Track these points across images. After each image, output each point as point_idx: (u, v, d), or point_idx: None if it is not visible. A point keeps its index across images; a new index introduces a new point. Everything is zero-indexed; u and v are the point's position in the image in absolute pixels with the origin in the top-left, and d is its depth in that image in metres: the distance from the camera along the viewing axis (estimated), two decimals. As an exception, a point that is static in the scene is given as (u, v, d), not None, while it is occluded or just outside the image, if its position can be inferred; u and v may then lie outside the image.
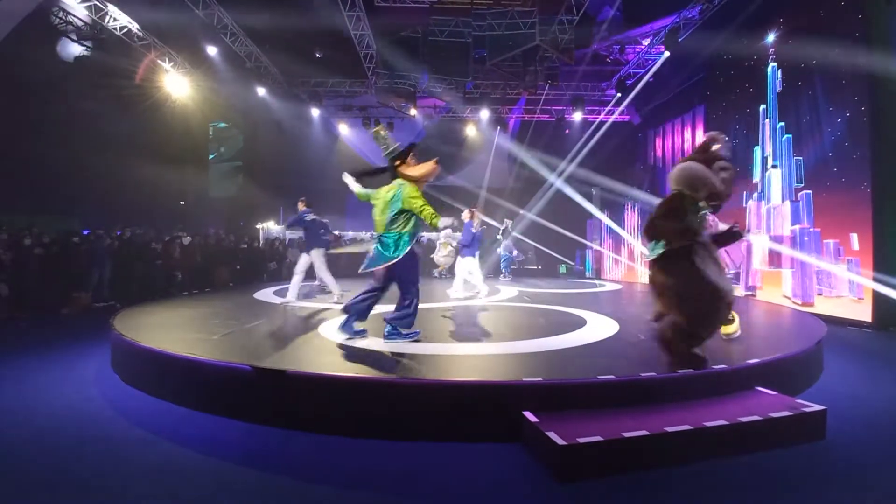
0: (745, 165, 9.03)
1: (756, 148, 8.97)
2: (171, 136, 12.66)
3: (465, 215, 7.88)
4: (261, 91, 12.75)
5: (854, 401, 3.84)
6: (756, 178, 8.96)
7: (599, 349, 4.28)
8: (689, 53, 10.25)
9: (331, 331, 4.92)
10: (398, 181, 4.28)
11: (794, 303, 8.00)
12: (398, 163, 4.31)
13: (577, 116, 13.74)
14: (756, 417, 2.98)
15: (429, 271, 11.58)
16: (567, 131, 15.22)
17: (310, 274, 7.15)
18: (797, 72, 8.05)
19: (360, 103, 14.31)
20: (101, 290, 9.26)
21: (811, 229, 7.75)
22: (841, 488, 2.59)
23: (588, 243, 15.56)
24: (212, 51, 11.37)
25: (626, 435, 2.71)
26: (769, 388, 3.52)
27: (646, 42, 11.48)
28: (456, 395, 3.20)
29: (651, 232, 3.61)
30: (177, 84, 11.24)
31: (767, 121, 8.70)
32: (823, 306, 7.46)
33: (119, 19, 9.53)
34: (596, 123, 14.25)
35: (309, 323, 5.49)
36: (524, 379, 3.27)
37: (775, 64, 8.52)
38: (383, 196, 4.30)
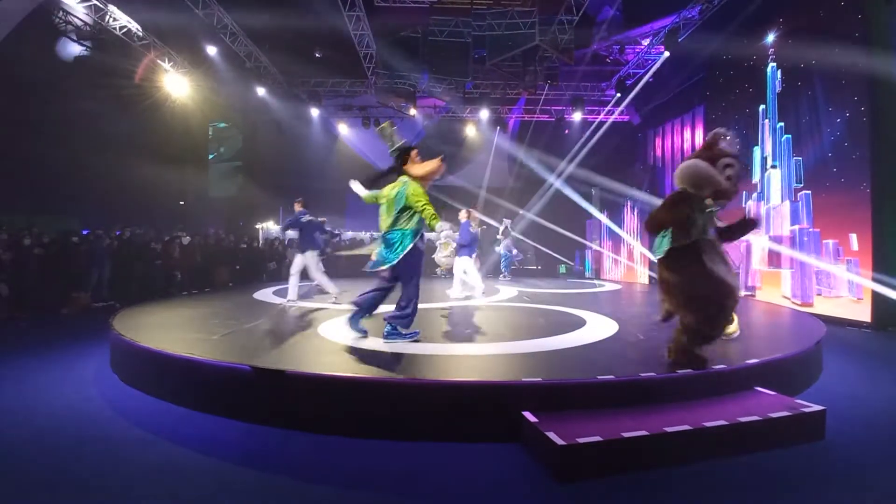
0: (744, 165, 9.03)
1: (755, 148, 8.97)
2: (170, 136, 12.66)
3: (463, 215, 7.97)
4: (260, 91, 12.74)
5: (853, 401, 3.84)
6: (755, 179, 8.97)
7: (599, 349, 4.28)
8: (689, 53, 10.25)
9: (330, 331, 4.92)
10: (402, 178, 4.28)
11: (793, 303, 8.00)
12: (403, 160, 4.31)
13: (577, 116, 13.74)
14: (755, 417, 2.98)
15: (429, 271, 11.58)
16: (567, 131, 15.22)
17: (306, 274, 7.15)
18: (797, 72, 8.06)
19: (360, 103, 14.31)
20: (100, 290, 9.26)
21: (810, 229, 7.76)
22: (840, 488, 2.59)
23: (588, 243, 15.57)
24: (211, 51, 11.37)
25: (626, 435, 2.71)
26: (768, 389, 3.52)
27: (645, 42, 11.49)
28: (455, 396, 3.20)
29: (650, 224, 3.58)
30: (176, 84, 11.24)
31: (767, 121, 8.70)
32: (823, 306, 7.46)
33: (119, 19, 9.53)
34: (596, 123, 14.25)
35: (308, 323, 5.49)
36: (524, 379, 3.27)
37: (775, 64, 8.52)
38: (388, 194, 4.31)
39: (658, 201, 3.81)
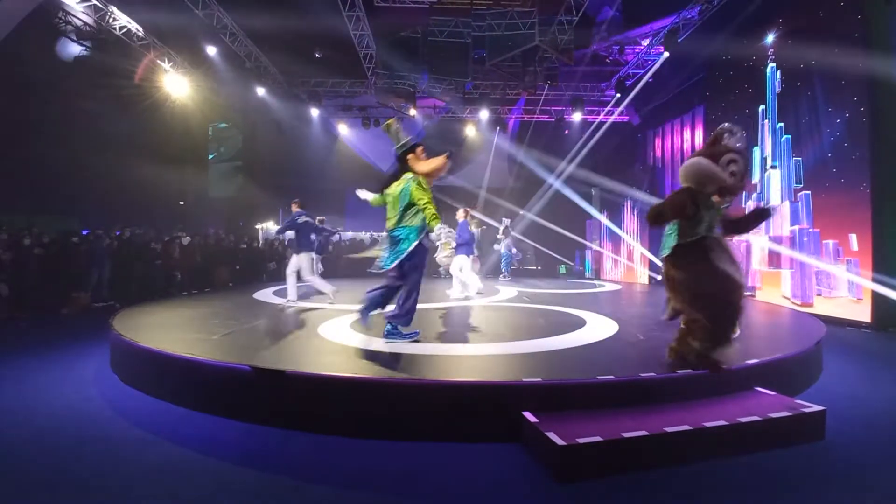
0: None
1: (755, 148, 8.98)
2: (170, 136, 12.66)
3: (460, 214, 8.06)
4: (260, 91, 12.74)
5: (853, 401, 3.84)
6: (755, 179, 8.97)
7: (599, 349, 4.28)
8: (689, 54, 10.25)
9: (330, 331, 4.92)
10: (407, 175, 4.28)
11: (793, 303, 8.01)
12: (409, 157, 4.31)
13: (577, 117, 13.74)
14: (755, 418, 2.98)
15: (430, 271, 11.59)
16: (566, 132, 15.23)
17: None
18: (796, 72, 8.06)
19: (360, 103, 14.31)
20: (100, 291, 9.26)
21: (810, 230, 7.76)
22: (840, 488, 2.59)
23: (587, 243, 15.57)
24: (211, 51, 11.37)
25: (626, 435, 2.71)
26: (768, 389, 3.53)
27: (645, 42, 11.49)
28: (455, 396, 3.20)
29: (650, 214, 3.53)
30: (176, 84, 11.24)
31: (766, 121, 8.71)
32: (823, 307, 7.46)
33: (119, 19, 9.53)
34: (595, 124, 14.25)
35: (308, 323, 5.48)
36: (524, 379, 3.27)
37: (774, 64, 8.52)
38: (393, 192, 4.31)
39: (657, 201, 3.78)
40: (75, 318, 8.08)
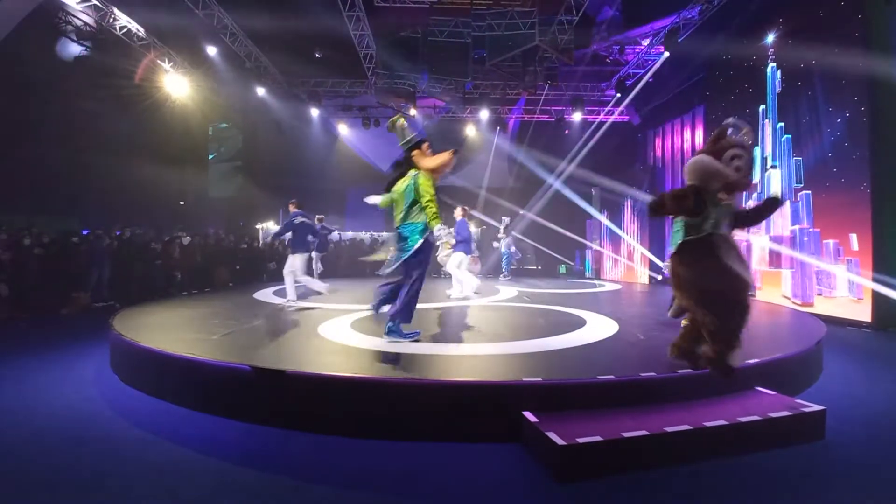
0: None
1: (756, 148, 8.97)
2: (170, 136, 12.66)
3: (458, 213, 8.10)
4: (260, 91, 12.75)
5: (853, 401, 3.84)
6: (755, 179, 8.97)
7: (599, 349, 4.28)
8: (689, 54, 10.25)
9: (330, 331, 4.92)
10: (413, 171, 4.28)
11: (793, 303, 8.01)
12: (415, 153, 4.31)
13: (577, 117, 13.74)
14: (755, 417, 2.98)
15: (430, 271, 11.59)
16: (567, 131, 15.23)
17: (306, 274, 7.13)
18: (797, 72, 8.06)
19: (360, 103, 14.30)
20: (100, 291, 9.26)
21: (811, 229, 7.76)
22: (840, 488, 2.59)
23: (588, 243, 15.57)
24: (211, 51, 11.38)
25: (626, 435, 2.71)
26: (769, 389, 3.53)
27: (645, 42, 11.48)
28: (456, 396, 3.20)
29: (652, 204, 3.48)
30: (176, 84, 11.24)
31: (767, 121, 8.70)
32: (823, 306, 7.46)
33: (119, 19, 9.53)
34: (595, 124, 14.25)
35: (308, 323, 5.48)
36: (524, 379, 3.27)
37: (775, 64, 8.52)
38: (399, 189, 4.31)
39: (653, 215, 3.74)
40: (75, 318, 8.08)
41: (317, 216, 9.90)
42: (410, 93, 12.63)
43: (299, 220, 6.85)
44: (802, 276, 7.91)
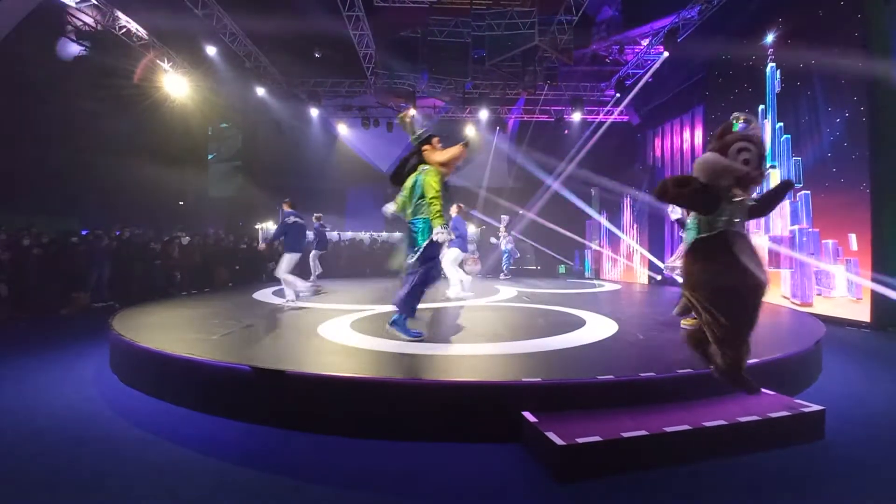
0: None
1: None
2: (170, 136, 12.66)
3: (453, 210, 8.14)
4: (260, 91, 12.75)
5: (853, 401, 3.84)
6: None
7: (598, 349, 4.28)
8: (688, 54, 10.26)
9: (330, 331, 4.92)
10: (422, 167, 4.29)
11: (792, 303, 8.01)
12: (425, 148, 4.30)
13: (577, 117, 13.75)
14: (755, 417, 2.98)
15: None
16: (566, 131, 15.24)
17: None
18: (796, 72, 8.06)
19: (360, 103, 14.31)
20: (100, 291, 9.26)
21: (810, 230, 7.77)
22: (840, 488, 2.59)
23: (587, 243, 15.58)
24: (211, 51, 11.37)
25: (626, 435, 2.71)
26: (768, 389, 3.52)
27: (645, 42, 11.49)
28: (455, 396, 3.20)
29: (658, 188, 3.39)
30: (176, 84, 11.24)
31: (766, 121, 8.71)
32: (822, 306, 7.47)
33: (119, 19, 9.53)
34: (595, 124, 14.26)
35: (308, 323, 5.48)
36: (523, 379, 3.27)
37: (774, 64, 8.53)
38: (408, 185, 4.32)
39: (656, 202, 3.69)
40: (75, 318, 8.08)
41: (315, 214, 9.90)
42: (410, 93, 12.63)
43: (292, 220, 6.85)
44: (802, 276, 7.91)
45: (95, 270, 9.20)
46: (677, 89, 11.85)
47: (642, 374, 3.39)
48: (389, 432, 3.15)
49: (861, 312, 6.89)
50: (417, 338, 4.36)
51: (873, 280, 6.71)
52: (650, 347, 4.33)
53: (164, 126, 12.13)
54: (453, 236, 7.41)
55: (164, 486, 2.56)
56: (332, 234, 13.43)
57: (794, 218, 8.08)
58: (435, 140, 4.35)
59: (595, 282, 12.89)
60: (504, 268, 12.33)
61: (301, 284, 6.92)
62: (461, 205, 8.29)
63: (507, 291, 9.07)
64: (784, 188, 3.50)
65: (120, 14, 9.41)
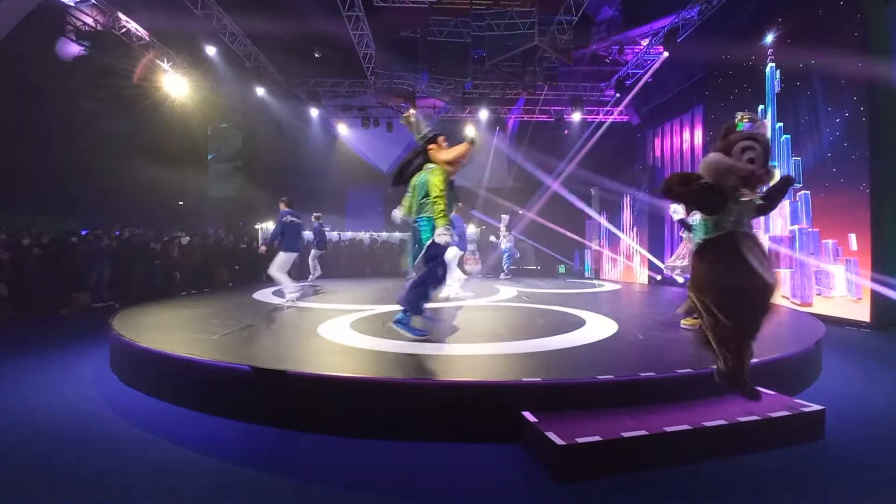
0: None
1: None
2: (170, 136, 12.66)
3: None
4: (260, 91, 12.75)
5: (853, 400, 3.85)
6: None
7: (598, 349, 4.28)
8: (688, 54, 10.26)
9: (330, 331, 4.92)
10: (427, 165, 4.30)
11: (792, 303, 8.01)
12: (431, 147, 4.31)
13: (576, 117, 13.75)
14: (755, 417, 2.98)
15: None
16: (566, 131, 15.24)
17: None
18: (796, 72, 8.06)
19: (360, 103, 14.31)
20: (99, 291, 9.26)
21: (810, 229, 7.77)
22: (840, 488, 2.59)
23: (587, 243, 15.58)
24: (210, 51, 11.37)
25: (626, 435, 2.72)
26: (768, 388, 3.52)
27: (645, 42, 11.50)
28: (455, 395, 3.20)
29: (663, 184, 3.29)
30: (176, 84, 11.24)
31: (766, 121, 8.71)
32: (822, 306, 7.47)
33: (119, 19, 9.53)
34: (595, 124, 14.26)
35: (308, 323, 5.48)
36: (523, 379, 3.27)
37: (774, 64, 8.53)
38: (413, 183, 4.32)
39: (657, 202, 3.68)
40: (75, 318, 8.08)
41: (314, 214, 9.90)
42: (410, 93, 12.64)
43: (288, 219, 6.85)
44: (801, 276, 7.92)
45: (95, 270, 9.21)
46: (677, 89, 11.86)
47: (642, 374, 3.39)
48: (389, 432, 3.15)
49: (861, 312, 6.90)
50: (422, 336, 4.34)
51: (873, 280, 6.71)
52: (650, 347, 4.34)
53: (163, 126, 12.13)
54: (456, 238, 7.42)
55: (164, 486, 2.57)
56: (332, 234, 13.42)
57: (794, 218, 8.08)
58: (441, 139, 4.35)
59: (595, 282, 12.89)
60: (504, 267, 12.33)
61: (290, 286, 6.90)
62: (459, 203, 8.31)
63: (507, 291, 9.07)
64: (786, 184, 3.48)
65: (120, 14, 9.41)
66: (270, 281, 7.40)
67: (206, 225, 14.29)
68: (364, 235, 17.04)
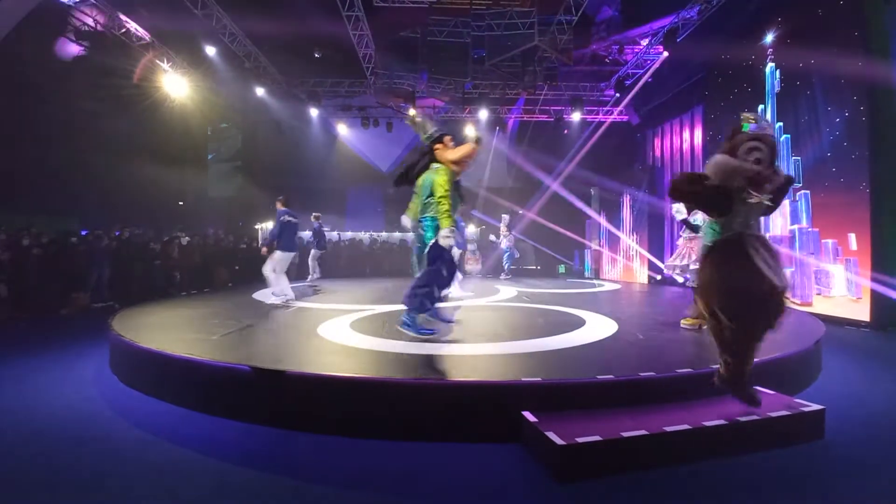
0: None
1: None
2: (170, 136, 12.66)
3: None
4: (260, 91, 12.75)
5: (852, 400, 3.85)
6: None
7: (598, 349, 4.28)
8: (688, 54, 10.27)
9: (330, 331, 4.92)
10: (433, 165, 4.30)
11: (792, 302, 8.01)
12: (437, 147, 4.31)
13: (576, 116, 13.76)
14: (755, 417, 2.98)
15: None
16: (566, 131, 15.24)
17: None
18: (795, 72, 8.06)
19: (359, 103, 14.31)
20: (99, 291, 9.26)
21: (809, 229, 7.77)
22: (840, 488, 2.59)
23: (587, 243, 15.58)
24: (210, 51, 11.37)
25: (625, 435, 2.71)
26: (768, 388, 3.52)
27: (644, 42, 11.49)
28: (456, 395, 3.20)
29: (670, 188, 3.22)
30: (175, 84, 11.24)
31: (768, 121, 8.71)
32: (822, 306, 7.47)
33: (118, 19, 9.53)
34: (595, 124, 14.26)
35: (308, 323, 5.48)
36: (523, 379, 3.27)
37: (773, 64, 8.53)
38: (419, 183, 4.33)
39: (656, 201, 3.69)
40: (75, 318, 8.08)
41: (313, 214, 9.91)
42: (410, 93, 12.64)
43: (285, 218, 6.85)
44: (801, 275, 7.92)
45: (95, 270, 9.20)
46: (677, 89, 11.86)
47: (642, 374, 3.39)
48: (389, 432, 3.15)
49: (860, 312, 6.90)
50: (429, 335, 4.33)
51: (873, 279, 6.71)
52: (650, 347, 4.34)
53: (163, 126, 12.13)
54: (459, 239, 7.42)
55: (164, 486, 2.57)
56: (332, 235, 13.43)
57: (794, 217, 8.09)
58: (447, 138, 4.35)
59: (595, 281, 12.90)
60: (504, 267, 12.32)
61: (279, 287, 6.88)
62: (464, 204, 8.30)
63: (507, 291, 9.07)
64: (787, 183, 3.45)
65: (120, 14, 9.41)
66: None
67: (205, 225, 14.29)
68: (364, 235, 17.04)
